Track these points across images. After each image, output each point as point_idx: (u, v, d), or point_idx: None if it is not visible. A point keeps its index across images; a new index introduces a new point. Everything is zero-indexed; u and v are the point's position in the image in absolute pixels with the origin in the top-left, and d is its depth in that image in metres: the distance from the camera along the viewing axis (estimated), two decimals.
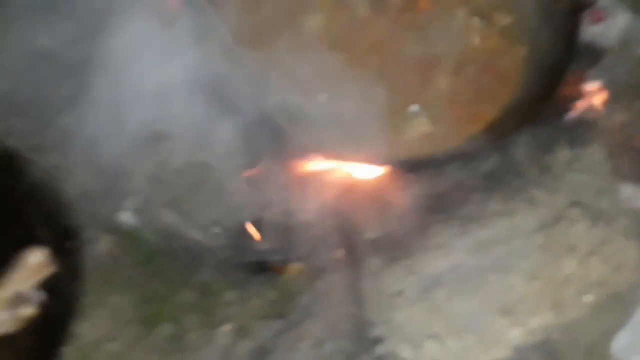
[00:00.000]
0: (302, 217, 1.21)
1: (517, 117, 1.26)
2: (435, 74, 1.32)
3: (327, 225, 1.22)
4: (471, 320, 1.18)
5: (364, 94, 1.28)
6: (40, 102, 1.25)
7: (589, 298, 1.22)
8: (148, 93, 1.17)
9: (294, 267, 1.21)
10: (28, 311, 1.10)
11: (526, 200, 1.26)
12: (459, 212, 1.24)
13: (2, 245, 1.12)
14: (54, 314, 1.10)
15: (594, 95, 1.36)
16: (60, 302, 1.10)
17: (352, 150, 1.23)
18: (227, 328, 1.18)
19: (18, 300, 1.10)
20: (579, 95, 1.35)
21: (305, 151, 1.22)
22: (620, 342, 1.21)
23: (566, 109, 1.34)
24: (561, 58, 1.29)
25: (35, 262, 1.11)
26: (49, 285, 1.11)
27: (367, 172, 1.25)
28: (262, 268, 1.20)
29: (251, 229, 1.22)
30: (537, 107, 1.27)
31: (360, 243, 1.22)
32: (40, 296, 1.11)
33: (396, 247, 1.21)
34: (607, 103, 1.37)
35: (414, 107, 1.29)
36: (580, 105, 1.35)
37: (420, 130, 1.28)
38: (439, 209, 1.24)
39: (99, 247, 1.19)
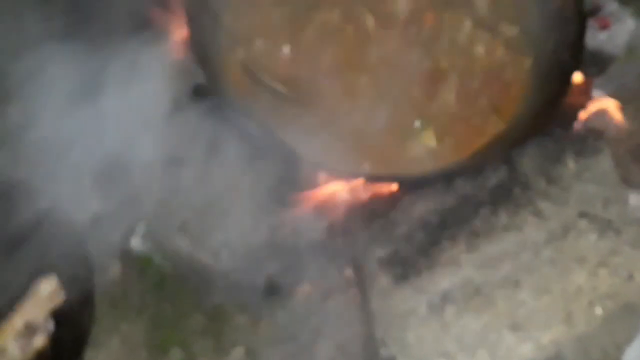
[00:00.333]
0: (311, 237, 1.21)
1: (523, 129, 1.25)
2: (441, 87, 1.31)
3: (336, 245, 1.22)
4: (482, 337, 1.17)
5: (370, 110, 1.27)
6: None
7: (599, 310, 1.21)
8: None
9: (304, 289, 1.22)
10: (39, 341, 1.10)
11: (534, 213, 1.25)
12: (466, 227, 1.24)
13: (13, 275, 1.12)
14: (65, 342, 1.11)
15: (601, 103, 1.35)
16: (71, 330, 1.11)
17: (358, 167, 1.23)
18: (237, 352, 1.18)
19: (29, 330, 1.10)
20: (586, 105, 1.34)
21: (312, 170, 1.22)
22: (632, 353, 1.20)
23: (573, 118, 1.32)
24: (567, 67, 1.27)
25: (47, 292, 1.11)
26: (60, 314, 1.12)
27: (374, 189, 1.24)
28: (272, 290, 1.20)
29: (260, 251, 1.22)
30: (544, 118, 1.26)
31: (368, 262, 1.22)
32: (51, 326, 1.11)
33: (405, 265, 1.20)
34: (615, 111, 1.35)
35: (419, 122, 1.28)
36: (587, 115, 1.34)
37: (427, 145, 1.27)
38: (447, 225, 1.24)
39: (109, 274, 1.20)
